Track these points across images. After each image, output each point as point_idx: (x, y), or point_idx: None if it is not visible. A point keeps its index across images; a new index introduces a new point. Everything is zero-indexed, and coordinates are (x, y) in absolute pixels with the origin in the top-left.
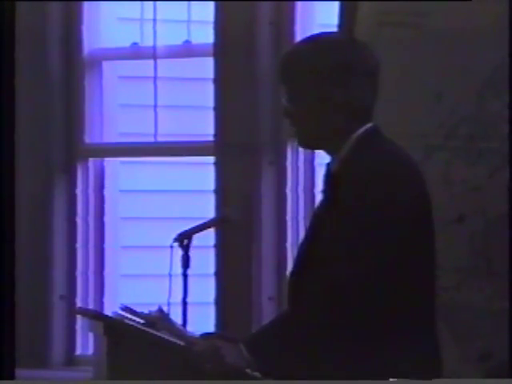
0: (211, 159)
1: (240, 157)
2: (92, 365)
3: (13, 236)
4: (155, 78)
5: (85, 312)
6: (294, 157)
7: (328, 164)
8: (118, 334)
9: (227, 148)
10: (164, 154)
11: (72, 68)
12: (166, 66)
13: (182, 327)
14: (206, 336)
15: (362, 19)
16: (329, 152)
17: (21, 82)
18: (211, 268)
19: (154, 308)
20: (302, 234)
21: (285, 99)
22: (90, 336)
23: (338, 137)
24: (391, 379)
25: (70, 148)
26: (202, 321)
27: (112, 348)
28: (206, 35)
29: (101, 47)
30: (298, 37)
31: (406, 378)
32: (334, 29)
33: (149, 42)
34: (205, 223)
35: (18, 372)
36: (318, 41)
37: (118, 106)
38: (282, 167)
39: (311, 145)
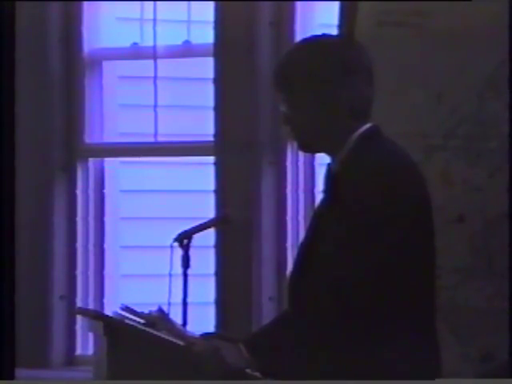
0: (211, 159)
1: (240, 157)
2: (92, 365)
3: (13, 236)
4: (155, 77)
5: (85, 312)
6: (294, 157)
7: (329, 164)
8: (118, 334)
9: (227, 148)
10: (164, 154)
11: (72, 68)
12: (165, 66)
13: (181, 327)
14: (206, 336)
15: (362, 19)
16: (329, 153)
17: (21, 82)
18: (211, 268)
19: (154, 308)
20: (302, 234)
21: (284, 106)
22: (90, 336)
23: (338, 138)
24: (391, 379)
25: (70, 148)
26: (202, 321)
27: (112, 348)
28: (206, 35)
29: (101, 47)
30: (298, 37)
31: (406, 378)
32: (334, 29)
33: (149, 42)
34: (205, 223)
35: (18, 372)
36: (314, 44)
37: (118, 106)
38: (282, 167)
39: (313, 149)
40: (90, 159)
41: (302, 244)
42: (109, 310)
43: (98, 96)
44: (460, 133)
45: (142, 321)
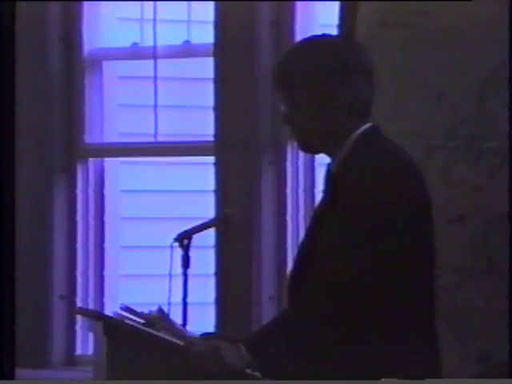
0: (211, 159)
1: (240, 157)
2: (92, 365)
3: (13, 236)
4: (155, 77)
5: (85, 312)
6: (294, 157)
7: (328, 164)
8: (118, 333)
9: (227, 148)
10: (164, 154)
11: (72, 68)
12: (166, 66)
13: (181, 327)
14: (206, 336)
15: (362, 19)
16: (329, 153)
17: (21, 82)
18: (211, 268)
19: (154, 308)
20: (302, 234)
21: (284, 106)
22: (90, 336)
23: (338, 137)
24: (391, 379)
25: (70, 148)
26: (202, 321)
27: (112, 348)
28: (206, 35)
29: (101, 47)
30: (298, 37)
31: (406, 378)
32: (334, 29)
33: (149, 42)
34: (205, 223)
35: (18, 372)
36: (313, 44)
37: (117, 106)
38: (282, 167)
39: (313, 149)
40: (90, 159)
41: (301, 244)
42: (109, 310)
43: (98, 96)
44: (460, 133)
45: (141, 321)
